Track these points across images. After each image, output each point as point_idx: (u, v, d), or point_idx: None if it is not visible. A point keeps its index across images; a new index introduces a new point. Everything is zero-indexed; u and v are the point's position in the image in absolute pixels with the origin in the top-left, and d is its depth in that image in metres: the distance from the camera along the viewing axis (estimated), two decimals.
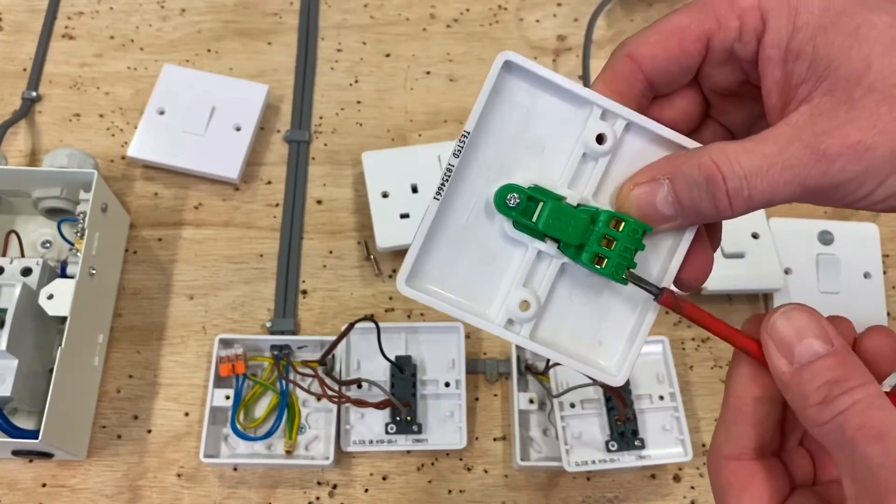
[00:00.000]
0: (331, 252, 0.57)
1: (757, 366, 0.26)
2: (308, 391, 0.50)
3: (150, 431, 0.51)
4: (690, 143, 0.28)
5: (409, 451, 0.51)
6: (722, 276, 0.53)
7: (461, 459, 0.51)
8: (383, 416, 0.50)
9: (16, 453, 0.47)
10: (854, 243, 0.57)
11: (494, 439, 0.51)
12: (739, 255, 0.54)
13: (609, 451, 0.49)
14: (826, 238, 0.57)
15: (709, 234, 0.29)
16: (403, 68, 0.64)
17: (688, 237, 0.28)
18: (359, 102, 0.63)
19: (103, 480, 0.49)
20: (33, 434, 0.44)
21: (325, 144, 0.61)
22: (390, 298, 0.55)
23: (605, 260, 0.27)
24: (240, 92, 0.60)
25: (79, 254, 0.47)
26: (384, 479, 0.50)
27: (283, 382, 0.50)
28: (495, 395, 0.52)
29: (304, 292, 0.56)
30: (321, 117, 0.62)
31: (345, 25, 0.66)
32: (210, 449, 0.48)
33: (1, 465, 0.49)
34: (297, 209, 0.58)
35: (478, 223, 0.29)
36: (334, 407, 0.49)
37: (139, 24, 0.65)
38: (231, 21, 0.66)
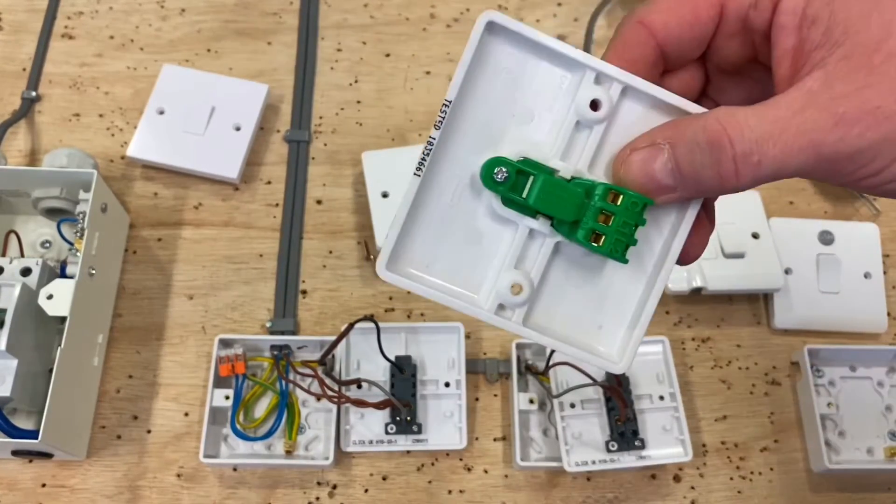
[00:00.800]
0: (331, 252, 0.57)
1: None
2: (308, 391, 0.50)
3: (149, 431, 0.51)
4: (695, 108, 0.26)
5: (408, 452, 0.50)
6: (722, 276, 0.53)
7: (461, 459, 0.51)
8: (383, 416, 0.50)
9: (15, 453, 0.47)
10: (854, 243, 0.57)
11: (494, 439, 0.51)
12: (740, 255, 0.54)
13: (609, 451, 0.49)
14: (826, 238, 0.57)
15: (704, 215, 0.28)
16: (403, 68, 0.64)
17: (692, 213, 0.26)
18: (359, 102, 0.63)
19: (103, 480, 0.49)
20: (33, 434, 0.44)
21: (325, 144, 0.61)
22: (390, 298, 0.55)
23: (603, 237, 0.25)
24: (240, 92, 0.60)
25: (78, 254, 0.47)
26: (384, 479, 0.50)
27: (283, 382, 0.50)
28: (495, 395, 0.52)
29: (304, 292, 0.55)
30: (321, 117, 0.62)
31: (345, 25, 0.66)
32: (210, 449, 0.48)
33: (1, 465, 0.49)
34: (297, 209, 0.58)
35: (463, 201, 0.26)
36: (334, 407, 0.49)
37: (139, 23, 0.65)
38: (231, 21, 0.66)
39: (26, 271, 0.48)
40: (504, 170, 0.25)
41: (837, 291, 0.55)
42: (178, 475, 0.50)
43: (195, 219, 0.58)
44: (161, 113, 0.59)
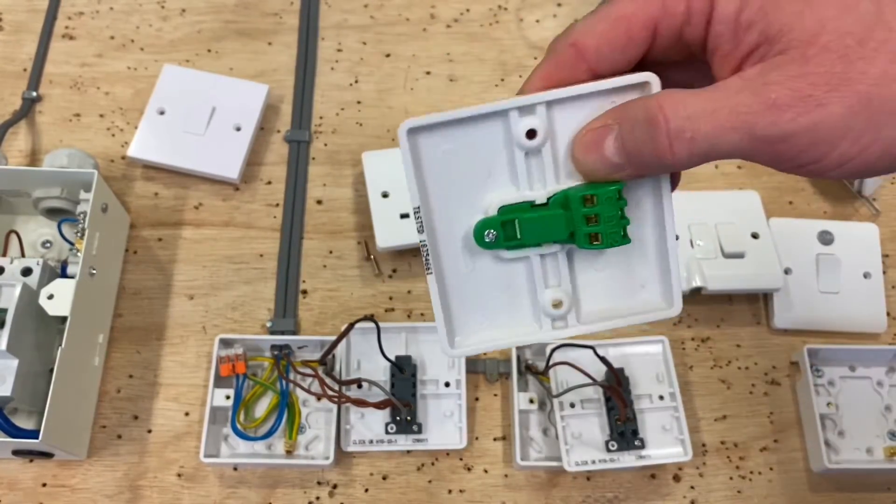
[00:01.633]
0: (331, 252, 0.57)
1: None
2: (308, 391, 0.50)
3: (150, 431, 0.51)
4: (627, 80, 0.27)
5: (409, 451, 0.51)
6: (722, 276, 0.53)
7: (461, 459, 0.51)
8: (383, 415, 0.50)
9: (16, 453, 0.47)
10: (854, 243, 0.57)
11: (494, 439, 0.51)
12: (739, 255, 0.54)
13: (609, 450, 0.49)
14: (826, 238, 0.57)
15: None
16: (403, 68, 0.64)
17: (666, 190, 0.28)
18: (359, 102, 0.63)
19: (103, 480, 0.49)
20: (33, 434, 0.44)
21: (326, 144, 0.61)
22: (390, 298, 0.55)
23: (599, 235, 0.27)
24: (240, 92, 0.60)
25: (79, 254, 0.47)
26: (384, 478, 0.50)
27: (284, 382, 0.50)
28: (495, 395, 0.52)
29: (304, 292, 0.56)
30: (321, 117, 0.62)
31: (345, 25, 0.66)
32: (210, 449, 0.48)
33: (1, 464, 0.49)
34: (297, 209, 0.58)
35: (477, 262, 0.30)
36: (334, 407, 0.49)
37: (139, 24, 0.65)
38: (231, 21, 0.66)
39: (27, 271, 0.48)
40: (491, 231, 0.28)
41: (837, 291, 0.55)
42: (179, 475, 0.50)
43: (195, 219, 0.58)
44: (161, 113, 0.59)
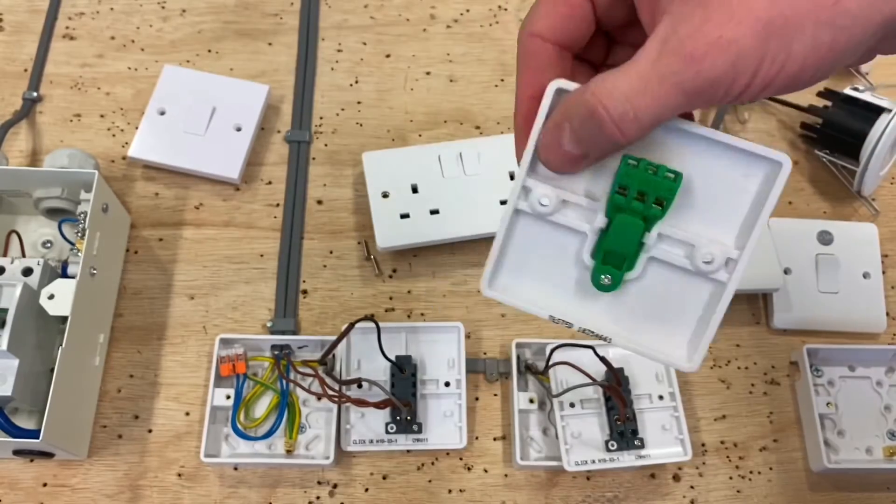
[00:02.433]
0: (331, 252, 0.57)
1: None
2: (308, 391, 0.50)
3: (150, 431, 0.51)
4: (565, 85, 0.28)
5: (409, 451, 0.51)
6: None
7: (461, 459, 0.51)
8: (383, 415, 0.50)
9: (17, 453, 0.47)
10: (853, 243, 0.57)
11: (494, 439, 0.51)
12: None
13: (609, 450, 0.49)
14: (825, 238, 0.57)
15: None
16: (403, 69, 0.64)
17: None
18: (359, 103, 0.63)
19: (104, 480, 0.49)
20: (34, 434, 0.44)
21: (326, 145, 0.61)
22: (390, 298, 0.55)
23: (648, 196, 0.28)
24: (240, 92, 0.60)
25: (80, 254, 0.47)
26: (384, 478, 0.50)
27: (284, 382, 0.50)
28: (495, 395, 0.53)
29: (305, 292, 0.56)
30: (321, 118, 0.62)
31: (345, 26, 0.66)
32: (210, 448, 0.48)
33: (2, 464, 0.49)
34: (297, 209, 0.58)
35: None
36: (334, 406, 0.50)
37: (140, 24, 0.65)
38: (231, 21, 0.66)
39: (28, 271, 0.48)
40: (605, 276, 0.30)
41: (836, 291, 0.56)
42: (179, 474, 0.50)
43: (196, 219, 0.58)
44: (162, 113, 0.59)
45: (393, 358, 0.50)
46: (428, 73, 0.64)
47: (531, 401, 0.50)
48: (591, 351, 0.48)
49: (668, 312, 0.31)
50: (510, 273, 0.32)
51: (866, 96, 0.58)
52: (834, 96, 0.59)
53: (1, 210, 0.55)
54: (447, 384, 0.51)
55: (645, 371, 0.51)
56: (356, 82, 0.64)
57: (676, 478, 0.51)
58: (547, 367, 0.49)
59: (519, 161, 0.30)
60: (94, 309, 0.51)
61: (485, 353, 0.54)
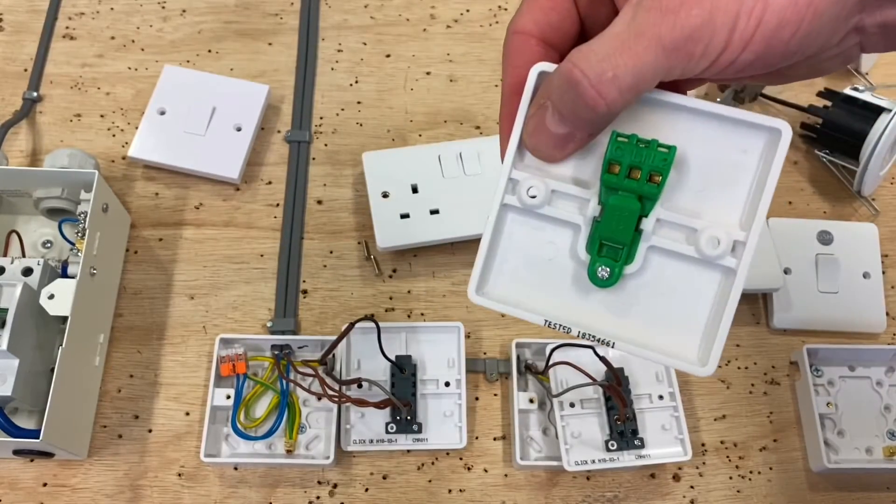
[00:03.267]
0: (331, 252, 0.57)
1: None
2: (308, 391, 0.50)
3: (150, 431, 0.51)
4: (549, 66, 0.27)
5: (409, 451, 0.51)
6: None
7: (461, 459, 0.51)
8: (383, 415, 0.50)
9: (17, 453, 0.47)
10: (853, 243, 0.57)
11: (494, 439, 0.51)
12: None
13: (609, 450, 0.49)
14: (825, 238, 0.57)
15: None
16: (403, 69, 0.64)
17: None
18: (359, 103, 0.63)
19: (104, 480, 0.49)
20: (34, 434, 0.44)
21: (326, 145, 0.61)
22: (390, 298, 0.55)
23: (641, 171, 0.27)
24: (240, 92, 0.60)
25: (80, 254, 0.47)
26: (384, 478, 0.50)
27: (284, 382, 0.50)
28: (495, 395, 0.53)
29: (305, 292, 0.56)
30: (321, 118, 0.62)
31: (345, 26, 0.66)
32: (210, 448, 0.48)
33: (2, 464, 0.49)
34: (297, 209, 0.58)
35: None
36: (334, 406, 0.50)
37: (140, 24, 0.65)
38: (231, 21, 0.66)
39: (28, 271, 0.48)
40: (602, 268, 0.28)
41: (836, 291, 0.56)
42: (179, 474, 0.50)
43: (196, 219, 0.58)
44: (162, 113, 0.59)
45: (393, 358, 0.50)
46: (428, 73, 0.64)
47: (531, 401, 0.50)
48: (591, 351, 0.48)
49: (675, 309, 0.28)
50: (500, 276, 0.30)
51: (866, 96, 0.58)
52: (834, 96, 0.59)
53: (1, 210, 0.55)
54: (447, 384, 0.51)
55: (645, 371, 0.51)
56: (356, 82, 0.64)
57: (676, 478, 0.51)
58: (547, 366, 0.49)
59: (503, 158, 0.29)
60: (94, 309, 0.51)
61: (485, 353, 0.54)
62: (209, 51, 0.64)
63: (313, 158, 0.60)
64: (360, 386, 0.50)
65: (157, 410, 0.51)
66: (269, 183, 0.59)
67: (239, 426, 0.49)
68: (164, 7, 0.66)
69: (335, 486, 0.50)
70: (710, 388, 0.53)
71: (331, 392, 0.48)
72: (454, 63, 0.65)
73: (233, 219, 0.58)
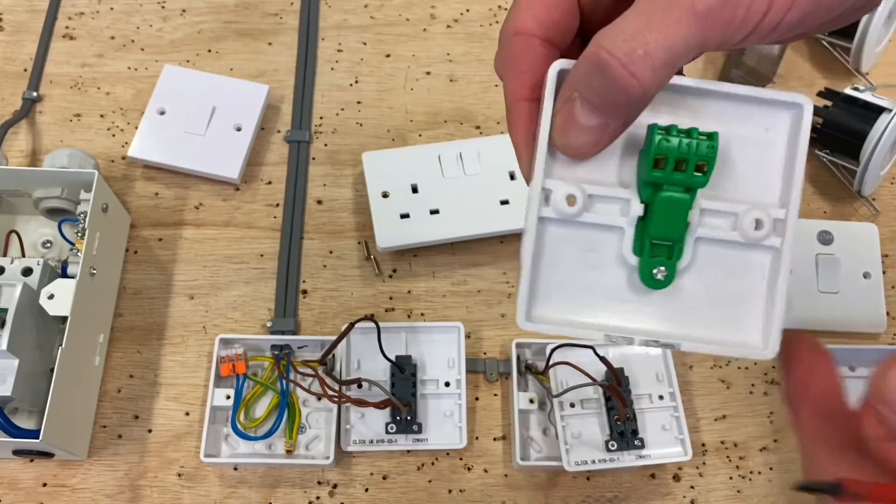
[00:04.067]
0: (331, 252, 0.57)
1: None
2: (308, 391, 0.50)
3: (150, 431, 0.51)
4: (567, 63, 0.26)
5: (409, 451, 0.51)
6: None
7: (461, 459, 0.51)
8: (383, 415, 0.50)
9: (16, 453, 0.47)
10: (853, 243, 0.57)
11: (494, 439, 0.51)
12: None
13: (609, 450, 0.49)
14: (825, 238, 0.57)
15: None
16: (403, 68, 0.64)
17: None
18: (359, 103, 0.63)
19: (104, 480, 0.49)
20: (34, 434, 0.44)
21: (326, 144, 0.61)
22: (390, 298, 0.55)
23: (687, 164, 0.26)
24: (240, 92, 0.60)
25: (79, 254, 0.47)
26: (384, 478, 0.50)
27: (284, 382, 0.50)
28: (495, 395, 0.53)
29: (305, 292, 0.56)
30: (321, 117, 0.62)
31: (345, 26, 0.66)
32: (210, 448, 0.48)
33: (1, 464, 0.49)
34: (297, 209, 0.58)
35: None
36: (334, 407, 0.50)
37: (140, 24, 0.65)
38: (231, 21, 0.66)
39: (27, 271, 0.48)
40: (659, 269, 0.27)
41: (837, 291, 0.56)
42: (179, 474, 0.50)
43: (196, 219, 0.58)
44: (162, 113, 0.59)
45: (393, 358, 0.50)
46: (428, 73, 0.64)
47: (531, 401, 0.50)
48: (591, 351, 0.48)
49: (730, 298, 0.28)
50: (547, 296, 0.28)
51: (866, 96, 0.58)
52: (834, 96, 0.59)
53: (1, 210, 0.55)
54: (447, 384, 0.51)
55: (645, 371, 0.51)
56: (356, 82, 0.64)
57: (676, 478, 0.51)
58: (547, 366, 0.49)
59: (525, 174, 0.27)
60: (93, 309, 0.51)
61: (485, 353, 0.54)
62: (209, 51, 0.64)
63: (313, 158, 0.60)
64: (360, 386, 0.50)
65: (157, 410, 0.51)
66: (269, 183, 0.59)
67: (239, 426, 0.49)
68: (163, 7, 0.66)
69: (335, 486, 0.50)
70: (711, 388, 0.53)
71: (331, 392, 0.48)
72: (454, 63, 0.65)
73: (233, 219, 0.58)
